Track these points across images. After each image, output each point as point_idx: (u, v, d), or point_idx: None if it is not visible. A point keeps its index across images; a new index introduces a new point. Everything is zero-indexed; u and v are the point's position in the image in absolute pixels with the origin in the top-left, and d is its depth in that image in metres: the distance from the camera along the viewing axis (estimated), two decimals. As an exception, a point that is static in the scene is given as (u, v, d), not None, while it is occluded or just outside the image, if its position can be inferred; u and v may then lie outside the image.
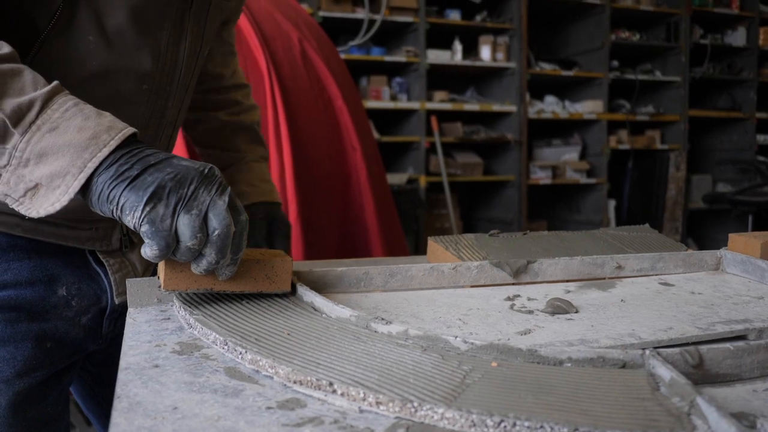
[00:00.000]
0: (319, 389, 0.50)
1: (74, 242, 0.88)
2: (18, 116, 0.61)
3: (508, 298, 0.80)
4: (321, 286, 0.79)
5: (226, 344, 0.58)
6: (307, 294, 0.70)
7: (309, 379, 0.51)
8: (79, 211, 0.83)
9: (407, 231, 3.70)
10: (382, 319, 0.61)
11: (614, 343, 0.63)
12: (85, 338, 0.92)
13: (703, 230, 5.68)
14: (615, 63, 5.17)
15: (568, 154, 5.13)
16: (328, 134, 2.02)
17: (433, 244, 1.00)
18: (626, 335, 0.65)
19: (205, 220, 0.62)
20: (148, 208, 0.60)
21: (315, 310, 0.68)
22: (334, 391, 0.49)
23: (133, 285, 0.74)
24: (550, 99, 5.13)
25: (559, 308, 0.75)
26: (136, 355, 0.59)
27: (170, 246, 0.61)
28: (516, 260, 0.86)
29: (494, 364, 0.53)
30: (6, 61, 0.65)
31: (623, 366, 0.54)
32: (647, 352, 0.54)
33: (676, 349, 0.55)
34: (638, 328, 0.68)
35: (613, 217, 5.26)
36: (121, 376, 0.54)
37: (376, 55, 4.52)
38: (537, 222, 5.22)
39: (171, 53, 0.85)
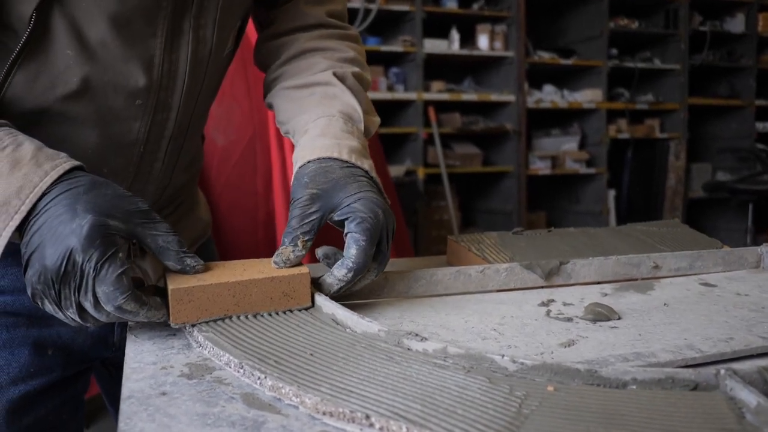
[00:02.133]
0: (353, 422, 0.44)
1: None
2: None
3: (543, 304, 0.74)
4: (339, 294, 0.72)
5: (242, 367, 0.52)
6: (327, 305, 0.63)
7: (341, 410, 0.44)
8: None
9: (406, 224, 3.63)
10: (416, 335, 0.54)
11: (673, 357, 0.56)
12: (93, 346, 0.88)
13: (703, 220, 5.64)
14: (614, 51, 5.11)
15: (567, 144, 5.07)
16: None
17: (454, 244, 0.93)
18: (683, 347, 0.59)
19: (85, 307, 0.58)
20: (39, 304, 0.58)
21: (337, 323, 0.61)
22: (372, 425, 0.43)
23: (133, 297, 0.67)
24: (548, 88, 5.07)
25: (601, 315, 0.69)
26: (140, 380, 0.52)
27: (83, 325, 0.60)
28: (547, 261, 0.80)
29: (551, 388, 0.47)
30: None
31: (695, 387, 0.48)
32: (722, 371, 0.47)
33: (752, 365, 0.49)
34: (691, 337, 0.62)
35: (613, 207, 5.20)
36: (124, 407, 0.47)
37: (372, 45, 4.43)
38: (536, 213, 5.16)
39: (168, 63, 0.75)
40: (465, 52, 4.66)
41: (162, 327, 0.64)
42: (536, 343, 0.62)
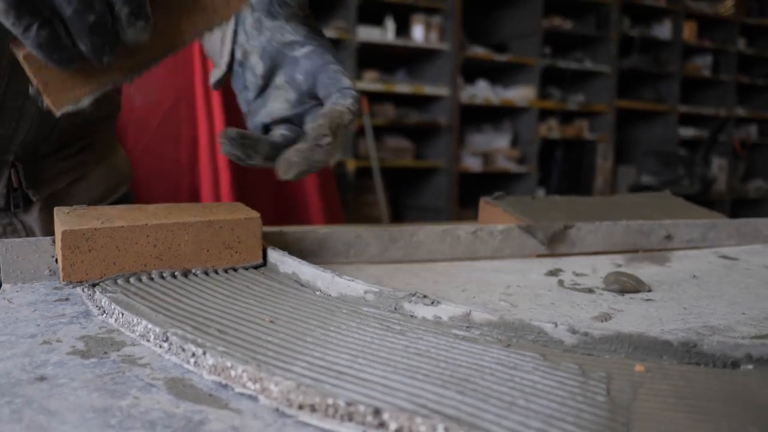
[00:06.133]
0: (351, 420, 0.27)
1: None
2: None
3: (551, 273, 0.59)
4: (295, 255, 0.55)
5: (167, 339, 0.34)
6: (285, 261, 0.46)
7: (331, 402, 0.27)
8: None
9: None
10: (424, 296, 0.38)
11: (758, 332, 0.43)
12: None
13: (626, 221, 5.71)
14: (547, 50, 5.09)
15: (498, 142, 5.02)
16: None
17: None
18: (762, 319, 0.45)
19: None
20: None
21: (301, 285, 0.44)
22: (383, 425, 0.27)
23: (8, 249, 0.48)
24: (482, 84, 4.99)
25: (627, 285, 0.55)
26: (6, 358, 0.34)
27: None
28: (549, 224, 0.65)
29: (641, 368, 0.31)
30: None
31: (828, 369, 0.34)
32: None
33: None
34: (750, 312, 0.49)
35: (542, 207, 5.19)
36: (-28, 399, 0.29)
37: (305, 29, 4.23)
38: (467, 210, 5.08)
39: None
40: (400, 42, 4.52)
41: (49, 289, 0.46)
42: (562, 317, 0.47)
